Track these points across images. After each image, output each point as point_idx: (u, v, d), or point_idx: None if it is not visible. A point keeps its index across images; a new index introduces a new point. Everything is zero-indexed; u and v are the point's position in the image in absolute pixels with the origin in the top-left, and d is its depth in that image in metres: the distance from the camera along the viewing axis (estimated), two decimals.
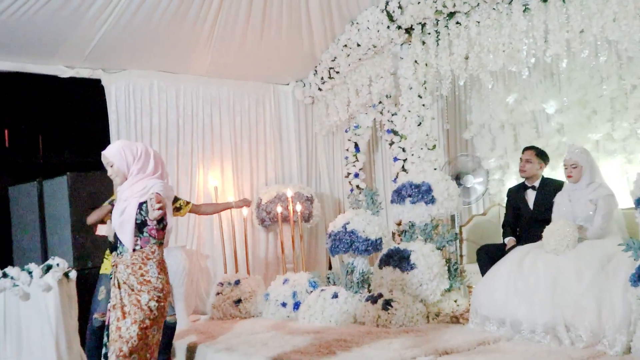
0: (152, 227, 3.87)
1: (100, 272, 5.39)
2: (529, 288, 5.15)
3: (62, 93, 8.26)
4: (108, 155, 3.99)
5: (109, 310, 3.92)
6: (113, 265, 3.93)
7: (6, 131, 9.24)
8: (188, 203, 5.68)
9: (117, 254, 3.93)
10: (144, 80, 7.66)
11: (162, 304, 3.86)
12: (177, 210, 5.60)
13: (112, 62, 7.39)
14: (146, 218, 3.85)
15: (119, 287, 3.85)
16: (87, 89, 7.74)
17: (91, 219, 5.35)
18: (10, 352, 5.43)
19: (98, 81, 7.46)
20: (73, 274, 5.76)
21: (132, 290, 3.80)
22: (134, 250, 3.84)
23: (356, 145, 8.46)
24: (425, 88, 7.14)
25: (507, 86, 7.45)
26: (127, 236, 3.85)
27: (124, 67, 7.52)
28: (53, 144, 9.51)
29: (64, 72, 7.22)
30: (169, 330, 5.30)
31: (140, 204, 3.85)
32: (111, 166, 3.97)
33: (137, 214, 3.85)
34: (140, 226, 3.86)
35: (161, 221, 3.90)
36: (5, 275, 5.53)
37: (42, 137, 9.44)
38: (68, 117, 9.09)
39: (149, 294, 3.79)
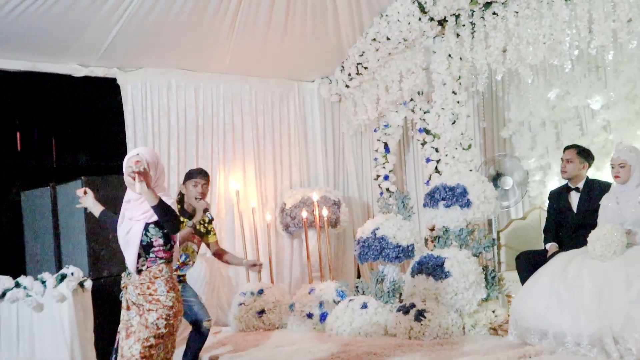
0: (159, 249, 3.92)
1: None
2: (573, 297, 5.09)
3: (76, 93, 8.34)
4: (148, 156, 3.91)
5: (118, 332, 4.00)
6: (122, 287, 4.01)
7: (18, 134, 9.34)
8: (215, 235, 5.73)
9: (126, 275, 4.00)
10: (161, 79, 7.71)
11: (171, 321, 3.90)
12: (206, 233, 5.63)
13: (128, 59, 7.45)
14: (152, 240, 3.90)
15: (128, 309, 3.93)
16: (102, 89, 7.80)
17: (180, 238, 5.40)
18: None
19: (113, 80, 7.52)
20: (88, 284, 5.81)
21: (141, 310, 3.87)
22: (141, 271, 3.90)
23: (386, 146, 8.42)
24: (460, 84, 7.09)
25: (548, 81, 7.39)
26: (130, 257, 3.90)
27: (140, 65, 7.57)
28: (67, 147, 9.60)
29: (77, 71, 7.28)
30: (203, 337, 5.35)
31: (147, 225, 3.88)
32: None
33: (142, 236, 3.89)
34: (146, 247, 3.90)
35: (168, 241, 3.95)
36: (18, 285, 5.58)
37: (55, 139, 9.53)
38: (82, 118, 9.16)
39: (157, 312, 3.85)
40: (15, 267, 6.73)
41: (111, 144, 8.96)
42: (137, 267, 3.90)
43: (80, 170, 8.50)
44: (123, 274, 4.02)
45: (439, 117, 7.18)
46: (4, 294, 5.50)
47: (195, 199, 5.36)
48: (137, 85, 7.59)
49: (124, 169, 3.87)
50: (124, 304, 3.96)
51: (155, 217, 3.85)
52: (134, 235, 3.88)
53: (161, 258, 3.92)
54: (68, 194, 6.67)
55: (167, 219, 3.84)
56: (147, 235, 3.88)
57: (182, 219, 5.29)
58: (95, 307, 5.92)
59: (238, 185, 7.96)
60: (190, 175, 5.48)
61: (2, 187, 8.67)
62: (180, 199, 5.44)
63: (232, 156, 8.13)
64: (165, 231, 3.91)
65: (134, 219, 3.90)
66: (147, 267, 3.90)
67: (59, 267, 6.40)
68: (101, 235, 6.33)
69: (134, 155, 3.84)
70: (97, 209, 4.44)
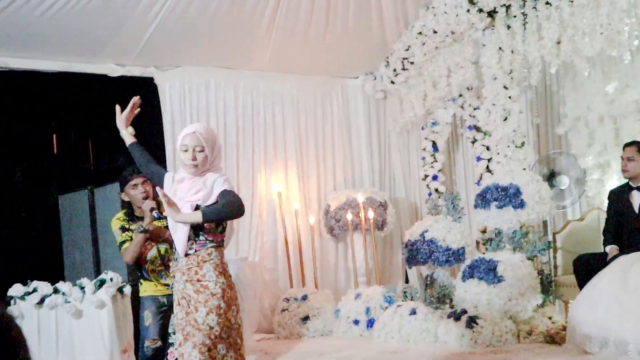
0: (209, 232, 3.79)
1: (140, 294, 5.43)
2: (635, 303, 5.03)
3: (112, 93, 8.46)
4: (206, 135, 3.84)
5: (170, 330, 3.89)
6: (172, 277, 3.90)
7: (54, 136, 9.53)
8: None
9: (174, 262, 3.88)
10: (199, 78, 7.80)
11: (225, 315, 3.73)
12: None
13: (166, 58, 7.55)
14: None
15: (179, 304, 3.79)
16: (139, 89, 7.87)
17: (129, 257, 5.18)
18: None
19: (150, 80, 7.62)
20: (127, 289, 5.87)
21: (189, 306, 3.74)
22: (187, 254, 3.78)
23: (434, 144, 8.40)
24: (512, 78, 7.05)
25: (606, 73, 7.30)
26: (180, 240, 3.78)
27: (178, 63, 7.67)
28: (104, 149, 9.76)
29: (114, 71, 7.39)
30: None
31: (197, 206, 3.77)
32: (200, 150, 3.82)
33: None
34: (196, 230, 3.78)
35: (220, 224, 3.83)
36: (56, 291, 5.67)
37: (92, 141, 9.70)
38: None
39: (205, 306, 3.69)
40: (54, 272, 6.87)
41: (149, 146, 9.11)
42: (186, 251, 3.78)
43: (118, 173, 8.63)
44: (172, 262, 3.93)
45: (490, 113, 7.15)
46: (42, 300, 5.59)
47: (143, 200, 5.13)
48: (175, 84, 7.68)
49: (178, 146, 3.84)
50: (175, 298, 3.83)
51: (209, 201, 3.75)
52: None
53: (211, 241, 3.79)
54: (106, 197, 6.79)
55: (225, 216, 3.77)
56: None
57: (132, 228, 5.20)
58: (134, 313, 6.00)
59: (280, 187, 8.01)
60: (124, 180, 5.31)
61: (39, 191, 8.86)
62: (129, 207, 5.27)
63: (274, 157, 8.19)
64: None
65: (184, 200, 3.80)
66: (196, 251, 3.78)
67: (98, 272, 6.52)
68: None
69: (190, 134, 3.80)
70: (128, 138, 4.40)
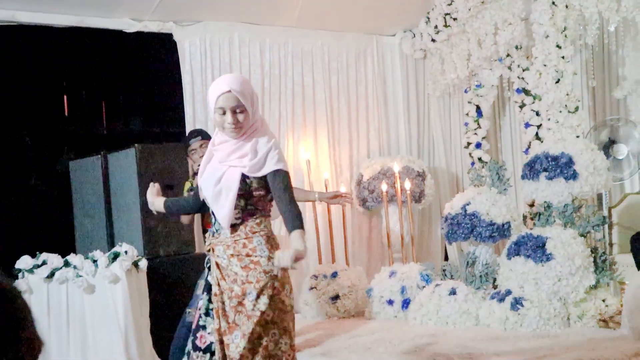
0: (259, 199, 3.59)
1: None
2: None
3: (127, 51, 8.49)
4: (242, 89, 3.59)
5: (200, 311, 3.67)
6: (208, 251, 3.68)
7: (65, 97, 9.58)
8: None
9: (212, 234, 3.66)
10: (222, 34, 7.78)
11: (278, 296, 3.51)
12: None
13: (186, 12, 7.53)
14: (251, 188, 3.55)
15: (218, 284, 3.55)
16: (157, 46, 7.92)
17: (185, 219, 5.45)
18: (74, 352, 5.64)
19: (169, 36, 7.62)
20: (143, 264, 5.91)
21: (234, 286, 3.49)
22: (235, 225, 3.56)
23: (478, 109, 8.35)
24: (566, 36, 6.95)
25: None
26: (225, 210, 3.53)
27: (199, 18, 7.65)
28: (118, 112, 9.80)
29: (130, 27, 7.39)
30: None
31: (245, 176, 3.55)
32: (241, 111, 3.58)
33: (240, 182, 3.53)
34: (243, 197, 3.55)
35: (269, 192, 3.60)
36: (67, 264, 5.73)
37: (105, 103, 9.74)
38: (135, 79, 9.33)
39: (256, 286, 3.46)
40: (64, 244, 6.92)
41: (167, 108, 9.13)
42: (231, 222, 3.55)
43: (133, 138, 8.66)
44: (207, 234, 3.72)
45: (541, 75, 7.07)
46: (52, 274, 5.66)
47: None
48: (195, 41, 7.67)
49: (211, 108, 3.59)
50: (213, 275, 3.60)
51: (258, 173, 3.53)
52: (231, 181, 3.53)
53: (261, 210, 3.61)
54: (120, 163, 6.81)
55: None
56: (245, 182, 3.52)
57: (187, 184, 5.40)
58: (150, 290, 6.04)
59: (308, 154, 8.00)
60: (186, 146, 5.45)
61: (49, 157, 8.93)
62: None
63: (302, 121, 8.17)
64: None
65: (224, 163, 3.59)
66: (243, 222, 3.56)
67: (111, 244, 6.55)
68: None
69: (225, 93, 3.52)
70: (159, 202, 4.09)
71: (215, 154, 3.63)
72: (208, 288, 3.66)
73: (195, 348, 3.65)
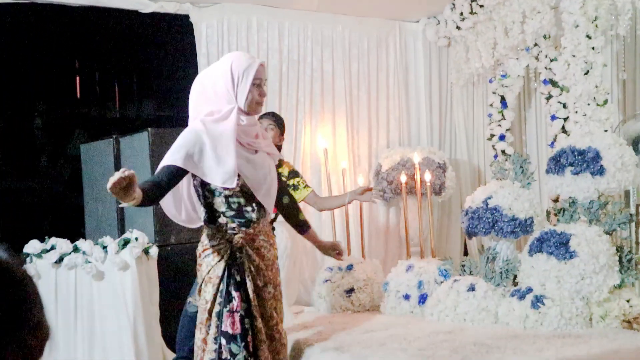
0: None
1: None
2: None
3: (142, 32, 8.51)
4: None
5: (238, 314, 3.71)
6: (238, 244, 3.72)
7: (77, 79, 9.62)
8: (308, 187, 5.72)
9: (247, 223, 3.72)
10: (240, 16, 7.78)
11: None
12: (294, 189, 5.67)
13: None
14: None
15: (264, 275, 3.71)
16: (172, 27, 7.93)
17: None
18: (81, 340, 5.68)
19: (186, 17, 7.62)
20: (154, 251, 5.94)
21: (276, 277, 3.74)
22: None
23: (503, 100, 8.32)
24: (597, 26, 6.91)
25: None
26: (273, 200, 3.77)
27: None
28: (131, 94, 9.84)
29: (145, 7, 7.36)
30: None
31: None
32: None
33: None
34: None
35: None
36: (76, 250, 5.77)
37: (118, 85, 9.78)
38: (149, 61, 9.36)
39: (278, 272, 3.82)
40: (73, 229, 6.98)
41: (181, 92, 9.15)
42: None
43: (146, 121, 8.71)
44: (235, 224, 3.77)
45: (569, 66, 7.04)
46: (61, 259, 5.70)
47: None
48: (212, 23, 7.67)
49: (247, 80, 3.61)
50: (247, 270, 3.70)
51: (277, 158, 3.76)
52: (274, 172, 3.77)
53: None
54: (133, 147, 6.85)
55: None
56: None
57: None
58: (160, 278, 6.07)
59: (326, 143, 7.99)
60: None
61: (60, 139, 8.98)
62: None
63: (321, 109, 8.17)
64: None
65: (258, 148, 3.73)
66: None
67: (122, 230, 6.60)
68: None
69: (262, 64, 3.66)
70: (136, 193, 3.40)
71: (244, 137, 3.64)
72: (236, 286, 3.70)
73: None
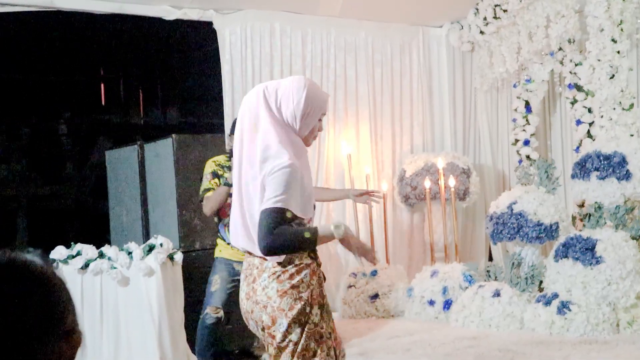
0: None
1: (215, 255, 5.53)
2: None
3: (166, 39, 8.56)
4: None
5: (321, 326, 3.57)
6: (312, 258, 3.63)
7: (102, 86, 9.69)
8: None
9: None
10: (263, 23, 7.79)
11: None
12: None
13: (226, 0, 7.56)
14: None
15: (318, 303, 3.56)
16: (196, 34, 7.97)
17: (209, 208, 5.35)
18: (107, 345, 5.71)
19: (209, 24, 7.64)
20: (179, 257, 5.96)
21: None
22: None
23: (527, 104, 8.28)
24: (622, 30, 6.88)
25: None
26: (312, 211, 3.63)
27: (240, 6, 7.67)
28: (155, 101, 9.89)
29: (169, 14, 7.40)
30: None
31: None
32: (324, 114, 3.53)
33: None
34: None
35: None
36: (102, 256, 5.80)
37: (142, 92, 9.83)
38: (173, 68, 9.41)
39: None
40: (99, 235, 7.02)
41: (205, 99, 9.18)
42: None
43: (170, 128, 8.75)
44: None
45: (594, 70, 7.01)
46: (86, 265, 5.72)
47: None
48: (236, 30, 7.69)
49: (318, 108, 3.44)
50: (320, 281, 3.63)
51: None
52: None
53: None
54: (157, 153, 6.88)
55: None
56: None
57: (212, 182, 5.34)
58: (185, 283, 6.09)
59: (350, 148, 7.99)
60: (233, 126, 5.35)
61: (85, 146, 9.04)
62: (231, 156, 5.04)
63: (344, 114, 8.17)
64: None
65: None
66: None
67: (147, 236, 6.63)
68: (194, 202, 6.48)
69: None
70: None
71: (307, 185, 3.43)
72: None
73: None
